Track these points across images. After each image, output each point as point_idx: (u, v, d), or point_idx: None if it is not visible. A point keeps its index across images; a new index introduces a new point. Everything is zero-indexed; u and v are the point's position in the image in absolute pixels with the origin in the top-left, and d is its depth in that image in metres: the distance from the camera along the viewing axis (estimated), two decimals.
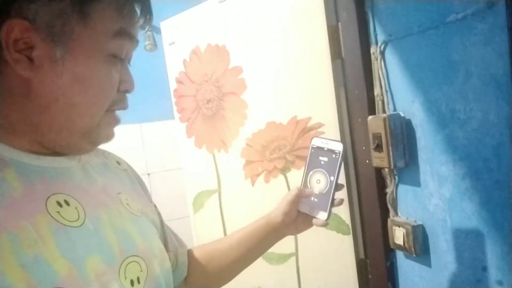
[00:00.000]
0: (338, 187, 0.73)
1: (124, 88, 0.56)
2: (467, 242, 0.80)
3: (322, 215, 0.71)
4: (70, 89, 0.50)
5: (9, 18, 0.45)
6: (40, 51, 0.47)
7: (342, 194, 1.08)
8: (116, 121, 0.58)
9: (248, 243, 0.77)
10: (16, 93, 0.49)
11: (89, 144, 0.56)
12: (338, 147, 0.72)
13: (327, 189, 0.72)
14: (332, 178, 0.72)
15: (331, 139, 0.75)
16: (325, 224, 0.72)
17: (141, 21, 0.56)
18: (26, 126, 0.50)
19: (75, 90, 0.50)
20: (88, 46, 0.50)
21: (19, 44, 0.47)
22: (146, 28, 0.59)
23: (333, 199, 0.71)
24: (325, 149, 0.74)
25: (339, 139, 1.10)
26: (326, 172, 0.73)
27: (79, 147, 0.55)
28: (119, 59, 0.54)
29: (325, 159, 0.73)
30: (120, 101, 0.57)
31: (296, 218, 0.76)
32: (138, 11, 0.55)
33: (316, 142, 0.75)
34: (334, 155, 0.72)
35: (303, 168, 0.76)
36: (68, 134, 0.52)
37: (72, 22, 0.48)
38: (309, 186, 0.75)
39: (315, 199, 0.73)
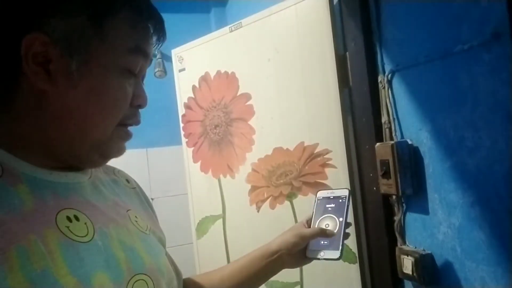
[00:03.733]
0: (347, 225, 0.75)
1: (137, 102, 0.57)
2: (478, 272, 0.78)
3: (334, 254, 0.73)
4: (85, 101, 0.51)
5: (30, 32, 0.47)
6: (57, 64, 0.49)
7: (349, 221, 1.08)
8: (128, 135, 0.59)
9: (243, 275, 0.76)
10: (32, 105, 0.50)
11: (100, 158, 0.56)
12: (344, 192, 0.77)
13: (337, 229, 0.74)
14: (341, 219, 0.75)
15: (336, 188, 0.80)
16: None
17: (154, 39, 0.58)
18: (39, 138, 0.51)
19: (89, 102, 0.51)
20: (103, 60, 0.51)
21: (38, 58, 0.48)
22: (160, 45, 0.61)
23: (344, 237, 0.73)
24: (331, 197, 0.79)
25: (346, 165, 1.10)
26: (334, 216, 0.76)
27: (91, 160, 0.56)
28: (133, 75, 0.55)
29: (332, 205, 0.78)
30: (133, 116, 0.57)
31: (298, 251, 0.76)
32: (152, 29, 0.56)
33: (321, 194, 0.81)
34: (340, 200, 0.77)
35: (312, 213, 0.79)
36: (80, 146, 0.53)
37: (89, 37, 0.50)
38: None
39: (325, 242, 0.75)
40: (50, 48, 0.48)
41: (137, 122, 0.59)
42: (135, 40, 0.53)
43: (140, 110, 0.60)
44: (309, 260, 0.76)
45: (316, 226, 0.77)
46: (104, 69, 0.52)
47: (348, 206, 0.75)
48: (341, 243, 0.72)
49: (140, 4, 0.54)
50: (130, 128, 0.59)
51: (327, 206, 0.78)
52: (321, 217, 0.77)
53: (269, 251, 0.77)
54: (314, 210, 0.79)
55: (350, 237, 1.07)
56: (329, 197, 0.79)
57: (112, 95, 0.53)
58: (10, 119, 0.51)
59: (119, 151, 0.58)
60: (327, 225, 0.76)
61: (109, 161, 0.59)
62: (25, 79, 0.49)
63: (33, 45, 0.48)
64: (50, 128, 0.51)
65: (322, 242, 0.74)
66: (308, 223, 0.79)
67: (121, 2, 0.52)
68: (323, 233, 0.75)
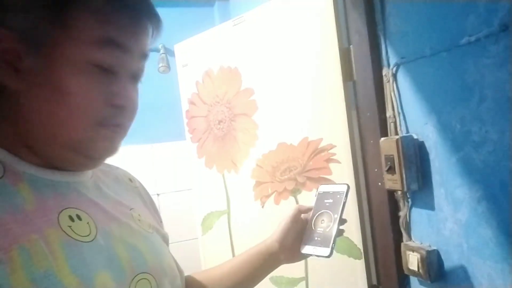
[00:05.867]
0: (341, 222, 0.74)
1: (115, 101, 0.51)
2: (485, 268, 0.77)
3: (324, 252, 0.72)
4: (51, 99, 0.48)
5: None
6: (25, 61, 0.47)
7: (354, 216, 1.07)
8: (113, 136, 0.54)
9: (242, 271, 0.76)
10: (12, 105, 0.49)
11: (86, 159, 0.54)
12: (343, 188, 0.76)
13: (330, 226, 0.74)
14: (336, 215, 0.74)
15: (336, 183, 0.80)
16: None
17: (140, 31, 0.52)
18: (17, 138, 0.50)
19: (55, 101, 0.48)
20: (69, 56, 0.48)
21: (7, 55, 0.46)
22: (156, 40, 0.56)
23: (336, 235, 0.73)
24: (331, 192, 0.78)
25: (351, 160, 1.09)
26: (330, 212, 0.76)
27: (77, 162, 0.53)
28: (109, 71, 0.50)
29: (330, 200, 0.77)
30: (113, 116, 0.52)
31: (293, 246, 0.76)
32: (131, 19, 0.51)
33: (322, 188, 0.80)
34: (338, 196, 0.76)
35: (314, 194, 0.80)
36: (54, 149, 0.51)
37: (52, 30, 0.47)
38: (313, 228, 0.76)
39: (318, 238, 0.74)
40: (19, 45, 0.46)
41: (120, 124, 0.54)
42: (105, 32, 0.49)
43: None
44: (304, 255, 0.76)
45: (313, 221, 0.77)
46: (69, 65, 0.48)
47: (344, 202, 0.74)
48: (332, 241, 0.71)
49: None
50: (119, 127, 0.54)
51: (325, 201, 0.77)
52: (319, 212, 0.77)
53: (265, 246, 0.78)
54: (314, 205, 0.79)
55: (355, 233, 1.08)
56: (328, 192, 0.78)
57: (78, 94, 0.49)
58: (3, 119, 0.50)
59: (107, 152, 0.54)
60: (322, 221, 0.75)
61: (107, 160, 0.57)
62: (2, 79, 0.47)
63: (0, 43, 0.46)
64: (24, 128, 0.50)
65: (316, 238, 0.74)
66: (301, 209, 0.80)
67: None
68: (302, 209, 0.78)
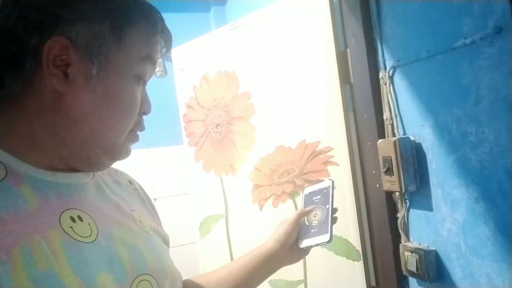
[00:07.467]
0: (334, 210, 0.78)
1: (143, 109, 0.59)
2: (483, 267, 0.78)
3: (324, 238, 0.75)
4: (101, 104, 0.53)
5: (53, 36, 0.49)
6: (76, 68, 0.50)
7: (352, 218, 1.08)
8: (137, 138, 0.61)
9: (240, 275, 0.77)
10: (45, 106, 0.51)
11: (109, 160, 0.57)
12: (327, 183, 0.82)
13: (325, 215, 0.77)
14: (327, 206, 0.78)
15: (319, 182, 0.85)
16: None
17: (162, 51, 0.61)
18: (50, 139, 0.51)
19: (105, 106, 0.53)
20: (120, 66, 0.54)
21: (57, 60, 0.50)
22: (164, 58, 0.64)
23: (332, 221, 0.76)
24: (317, 190, 0.83)
25: (349, 163, 1.10)
26: (321, 205, 0.80)
27: (99, 162, 0.57)
28: (142, 81, 0.58)
29: (318, 196, 0.82)
30: (138, 122, 0.59)
31: (293, 247, 0.79)
32: (162, 43, 0.60)
33: (308, 190, 0.86)
34: (325, 190, 0.81)
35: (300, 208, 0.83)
36: (91, 149, 0.54)
37: (109, 44, 0.52)
38: (307, 223, 0.80)
39: (315, 230, 0.77)
40: (71, 53, 0.50)
41: (142, 128, 0.61)
42: (147, 50, 0.57)
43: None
44: (304, 250, 0.79)
45: (305, 218, 0.80)
46: (120, 75, 0.54)
47: (332, 194, 0.79)
48: (329, 227, 0.75)
49: (155, 18, 0.58)
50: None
51: (314, 198, 0.82)
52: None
53: (265, 249, 0.79)
54: (303, 205, 0.83)
55: (353, 235, 1.09)
56: (315, 191, 0.83)
57: (126, 101, 0.55)
58: (20, 119, 0.51)
59: (126, 154, 0.60)
60: (315, 215, 0.79)
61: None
62: (40, 81, 0.50)
63: (55, 48, 0.49)
64: (64, 129, 0.52)
65: (313, 230, 0.77)
66: (304, 212, 0.82)
67: (140, 15, 0.55)
68: (304, 212, 0.80)
